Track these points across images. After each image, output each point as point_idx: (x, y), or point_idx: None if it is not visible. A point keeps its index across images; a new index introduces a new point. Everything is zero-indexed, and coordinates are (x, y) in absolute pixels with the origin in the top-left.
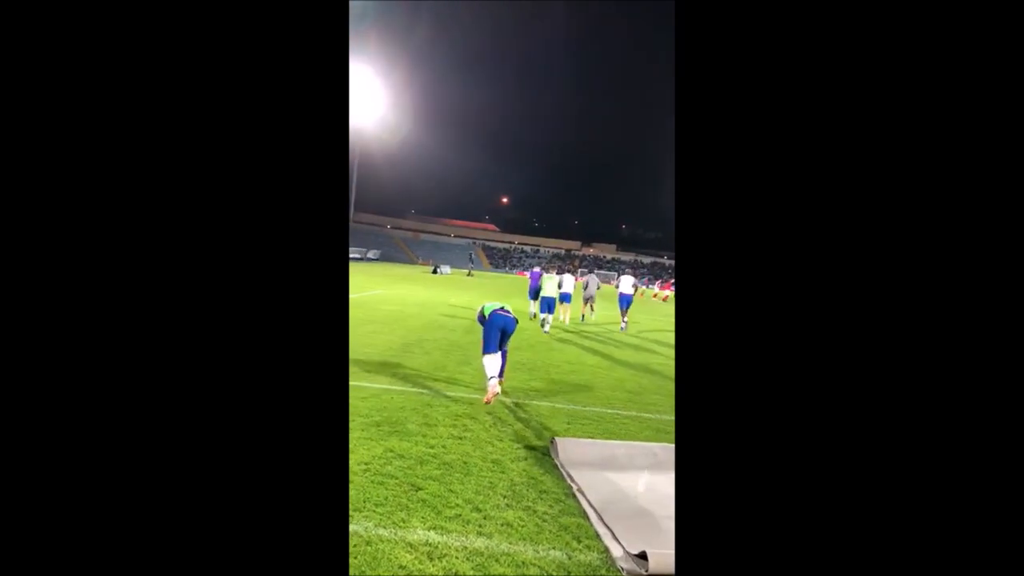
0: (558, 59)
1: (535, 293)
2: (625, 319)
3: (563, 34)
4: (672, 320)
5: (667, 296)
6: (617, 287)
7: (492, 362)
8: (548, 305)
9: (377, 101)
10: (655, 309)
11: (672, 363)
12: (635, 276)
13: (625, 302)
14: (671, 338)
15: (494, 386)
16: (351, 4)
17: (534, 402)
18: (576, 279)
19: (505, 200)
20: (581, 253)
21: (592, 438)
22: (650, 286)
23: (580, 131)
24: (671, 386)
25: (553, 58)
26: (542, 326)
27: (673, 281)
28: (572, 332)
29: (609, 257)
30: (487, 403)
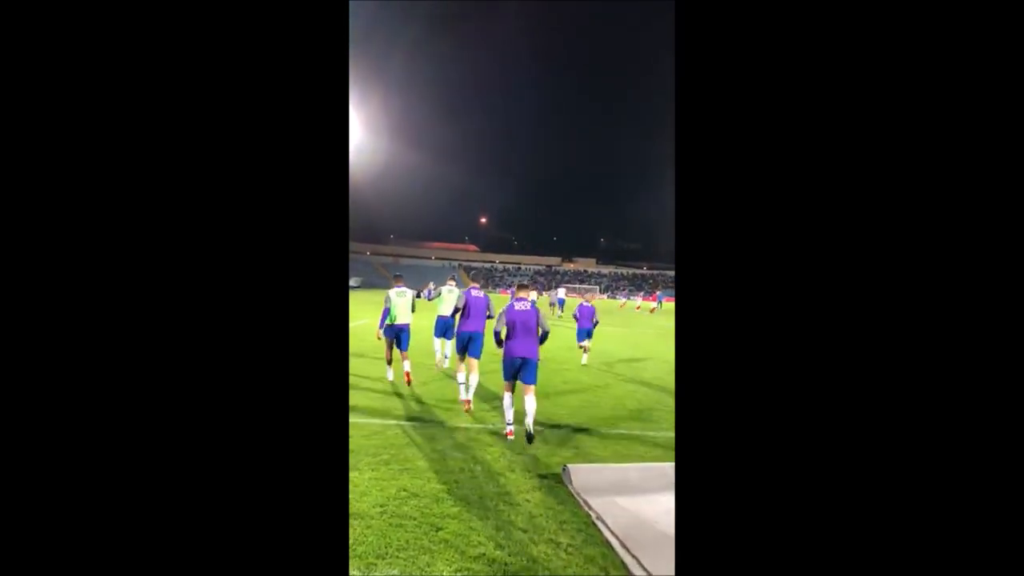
0: (531, 79)
1: None
2: (560, 312)
3: (536, 55)
4: (650, 327)
5: (654, 308)
6: (556, 294)
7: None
8: None
9: (352, 129)
10: (637, 320)
11: (666, 375)
12: (566, 288)
13: (560, 303)
14: (656, 349)
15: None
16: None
17: (538, 428)
18: (540, 294)
19: (484, 220)
20: (562, 268)
21: (603, 462)
22: (631, 299)
23: (555, 148)
24: (671, 400)
25: (526, 79)
26: None
27: (658, 293)
28: (559, 347)
29: (590, 271)
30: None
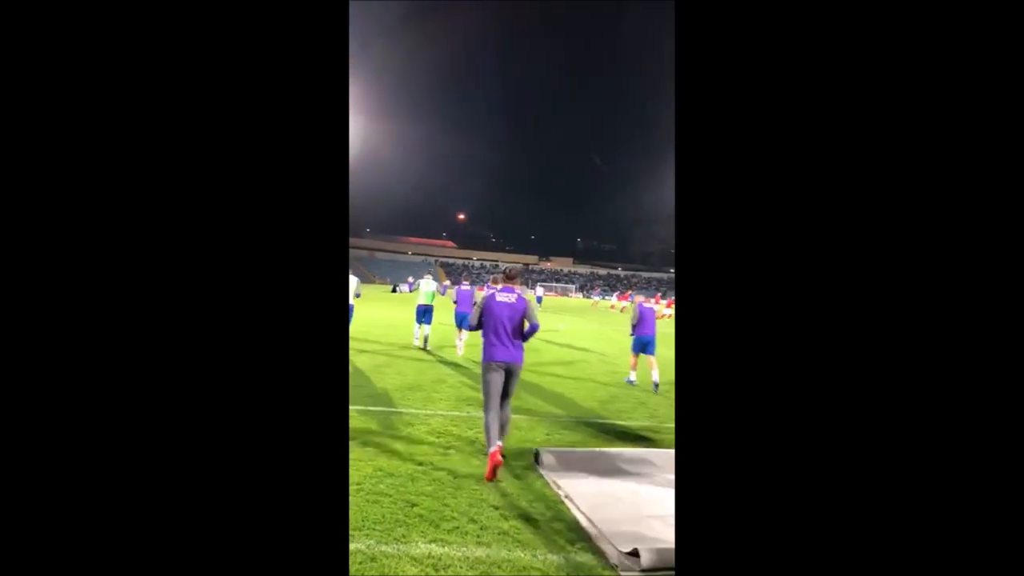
0: (512, 77)
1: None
2: (538, 307)
3: (517, 51)
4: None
5: (625, 307)
6: (535, 292)
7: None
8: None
9: None
10: (609, 318)
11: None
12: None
13: (538, 300)
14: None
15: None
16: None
17: (513, 416)
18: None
19: (462, 216)
20: (539, 267)
21: (573, 447)
22: (602, 297)
23: (535, 148)
24: (638, 394)
25: (507, 76)
26: None
27: (629, 293)
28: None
29: (566, 270)
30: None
